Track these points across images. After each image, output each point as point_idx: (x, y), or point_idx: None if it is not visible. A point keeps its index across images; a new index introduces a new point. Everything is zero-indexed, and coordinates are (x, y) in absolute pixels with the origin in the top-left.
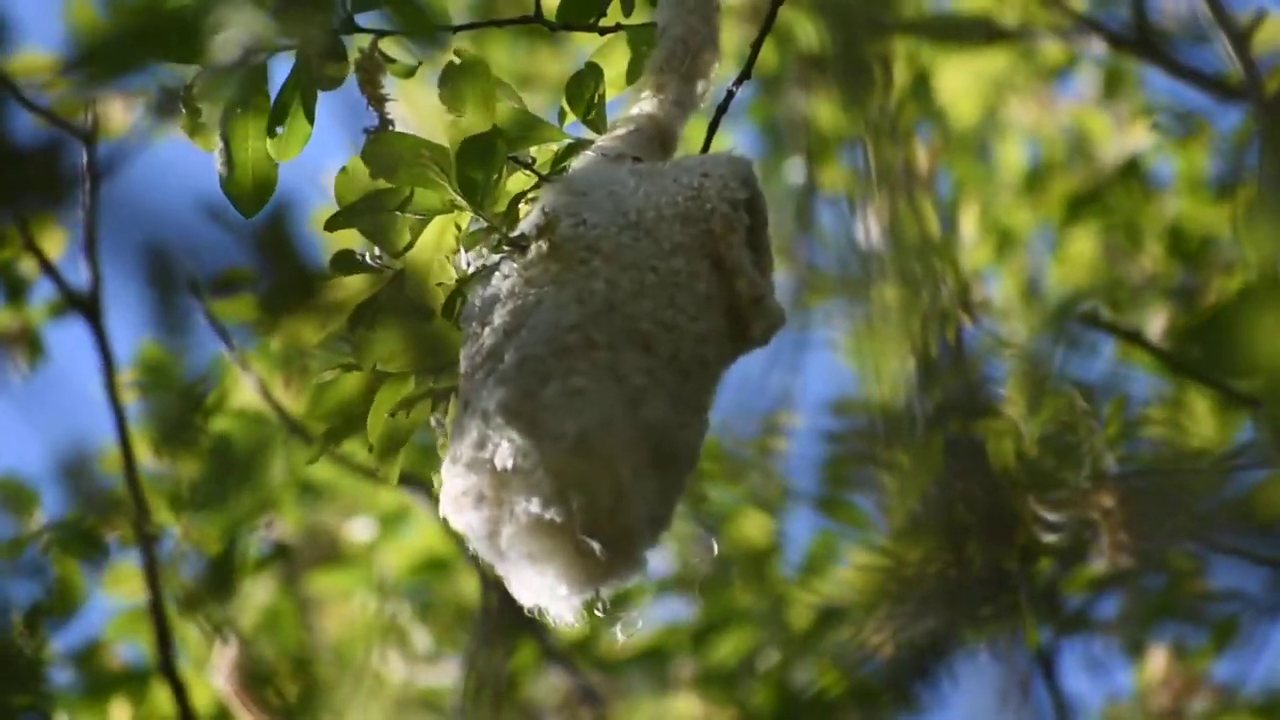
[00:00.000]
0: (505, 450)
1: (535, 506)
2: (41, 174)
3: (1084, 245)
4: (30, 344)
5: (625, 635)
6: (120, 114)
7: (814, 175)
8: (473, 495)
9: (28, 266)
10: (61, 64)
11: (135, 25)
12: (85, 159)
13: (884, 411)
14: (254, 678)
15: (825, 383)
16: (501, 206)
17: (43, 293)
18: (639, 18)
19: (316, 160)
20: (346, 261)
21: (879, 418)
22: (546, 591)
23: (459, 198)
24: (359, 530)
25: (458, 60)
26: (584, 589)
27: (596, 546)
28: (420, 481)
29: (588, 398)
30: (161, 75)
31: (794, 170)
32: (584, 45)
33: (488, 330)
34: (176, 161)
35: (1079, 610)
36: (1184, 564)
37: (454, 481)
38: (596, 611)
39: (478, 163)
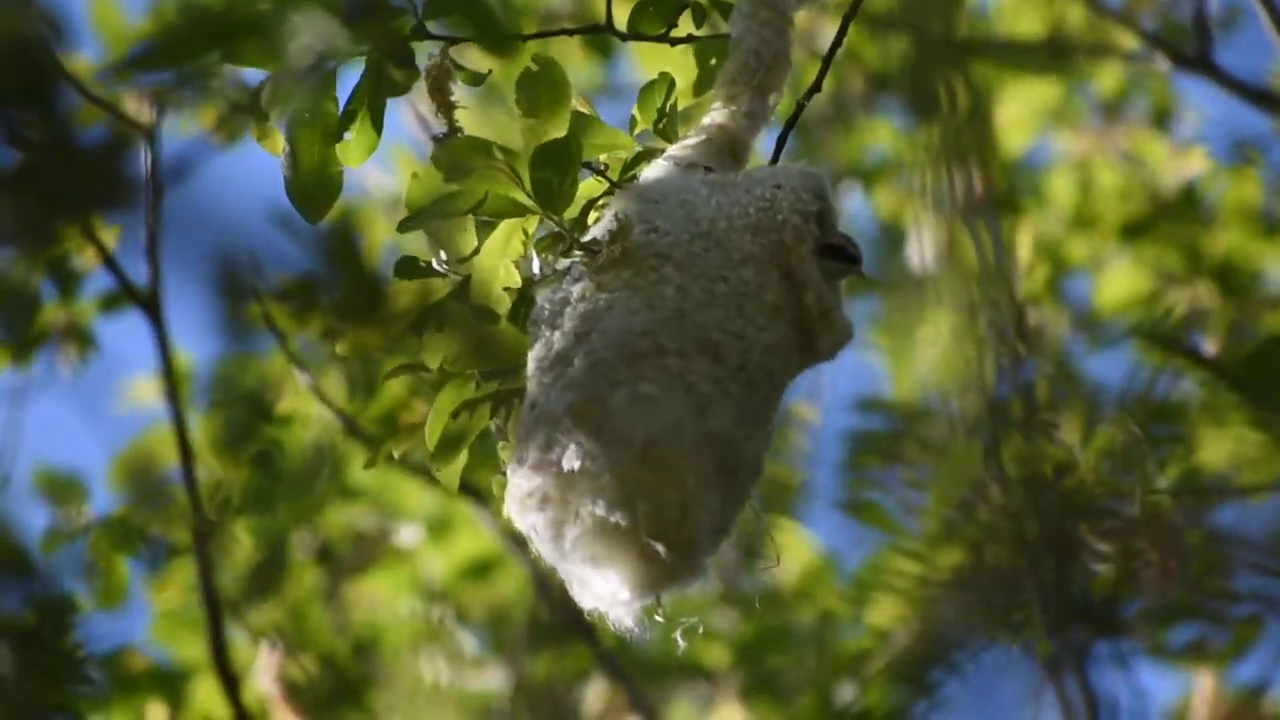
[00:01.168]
0: (573, 453)
1: (601, 510)
2: (104, 174)
3: (1137, 274)
4: (81, 338)
5: (683, 641)
6: (183, 118)
7: (865, 194)
8: (538, 496)
9: (79, 262)
10: (126, 62)
11: (209, 26)
12: (149, 157)
13: (914, 412)
14: (296, 681)
15: (853, 381)
16: (574, 212)
17: (95, 288)
18: (707, 30)
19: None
20: (410, 267)
21: (909, 418)
22: (608, 595)
23: (532, 202)
24: (404, 535)
25: (535, 67)
26: (646, 593)
27: (661, 551)
28: (470, 486)
29: (656, 404)
30: (232, 79)
31: (842, 189)
32: (639, 58)
33: (557, 334)
34: (240, 167)
35: (1113, 611)
36: (1215, 576)
37: (519, 483)
38: (657, 617)
39: (552, 167)
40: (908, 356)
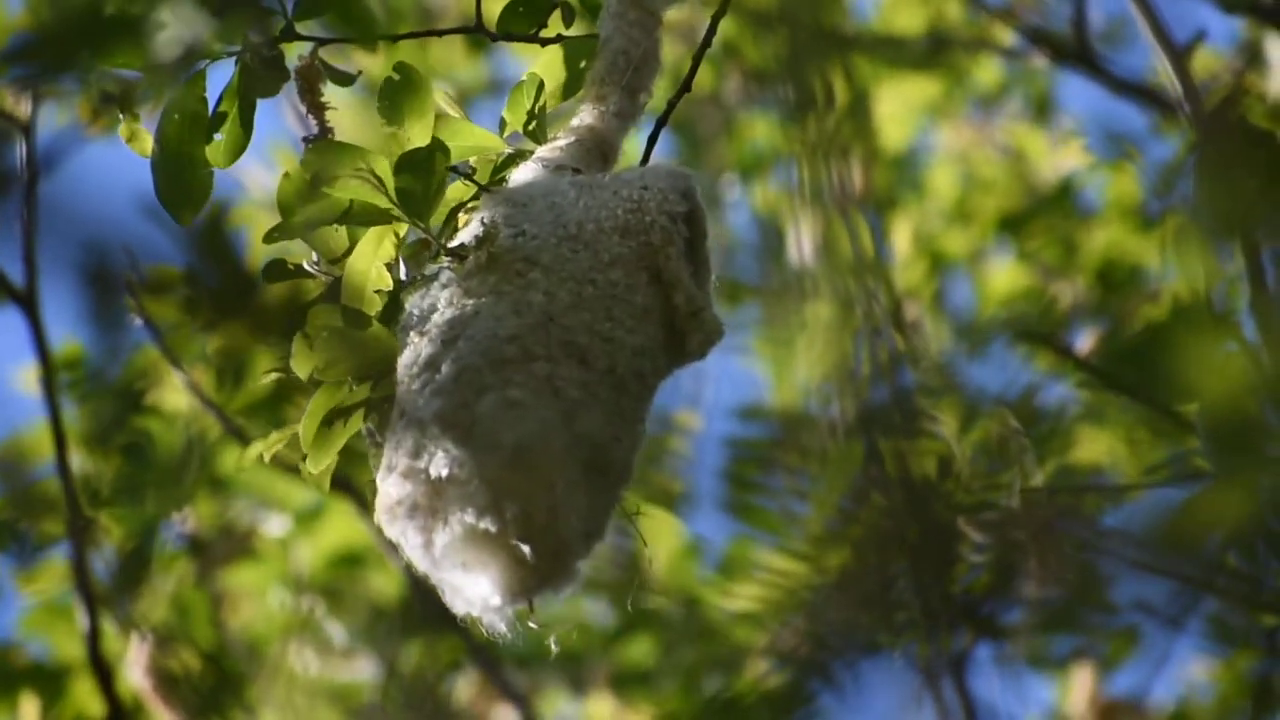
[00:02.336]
0: (441, 460)
1: (470, 516)
2: None
3: (1015, 267)
4: None
5: (555, 645)
6: (57, 111)
7: (742, 189)
8: (407, 504)
9: None
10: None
11: (76, 23)
12: (24, 152)
13: (795, 418)
14: (169, 673)
15: (734, 388)
16: (440, 217)
17: None
18: (578, 30)
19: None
20: (279, 271)
21: (790, 424)
22: (480, 601)
23: (397, 209)
24: (274, 526)
25: (397, 75)
26: (517, 598)
27: (530, 556)
28: (344, 480)
29: (524, 409)
30: (101, 75)
31: (721, 184)
32: (515, 57)
33: (425, 340)
34: (113, 159)
35: (991, 615)
36: (1089, 577)
37: (389, 490)
38: (530, 623)
39: (416, 175)
40: (788, 361)
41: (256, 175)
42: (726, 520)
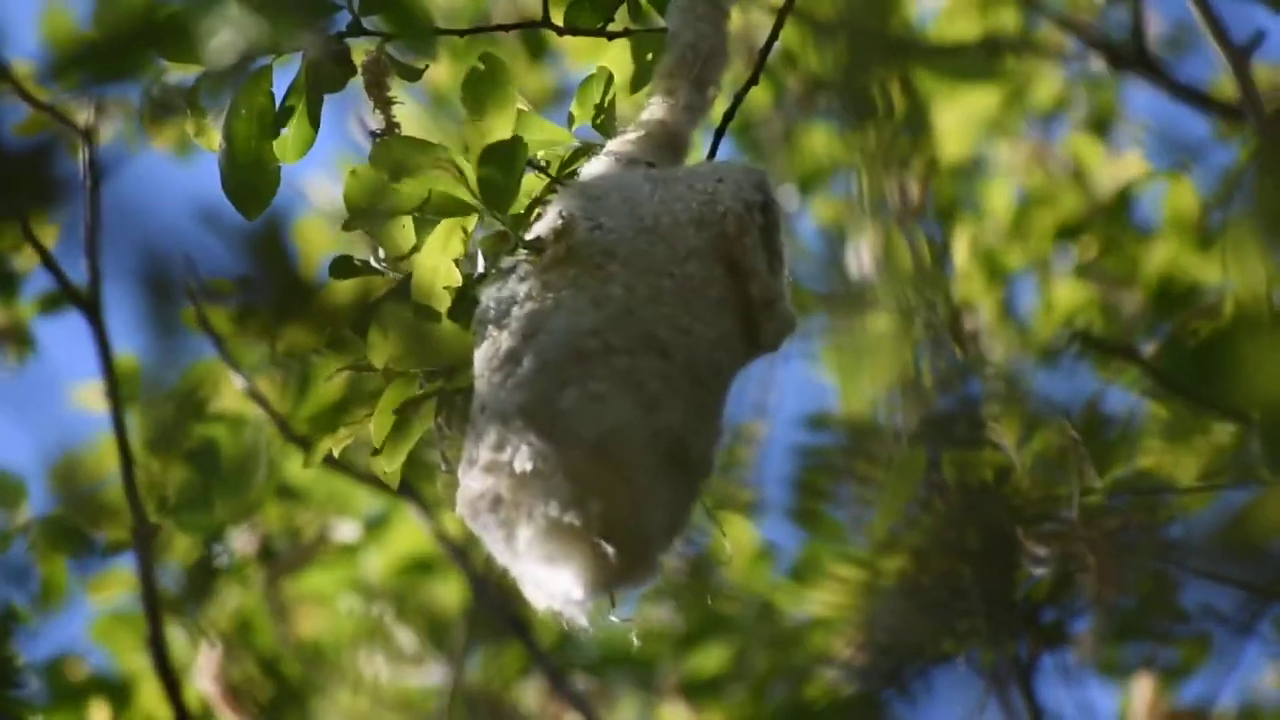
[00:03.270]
0: (524, 454)
1: (553, 510)
2: (34, 175)
3: (1073, 280)
4: (19, 339)
5: (637, 640)
6: (117, 119)
7: (802, 199)
8: (489, 498)
9: (18, 261)
10: (59, 63)
11: (134, 25)
12: (86, 157)
13: (863, 427)
14: (237, 680)
15: (801, 397)
16: (517, 209)
17: (33, 288)
18: (644, 23)
19: (298, 168)
20: (346, 267)
21: (857, 433)
22: (561, 595)
23: (477, 200)
24: (342, 532)
25: (481, 66)
26: (599, 592)
27: (612, 550)
28: (408, 487)
29: (606, 403)
30: (159, 79)
31: (781, 194)
32: (576, 65)
33: (505, 334)
34: (170, 166)
35: (1057, 623)
36: (1158, 585)
37: (470, 484)
38: (611, 616)
39: (499, 165)
40: (854, 370)
41: (321, 187)
42: (794, 528)
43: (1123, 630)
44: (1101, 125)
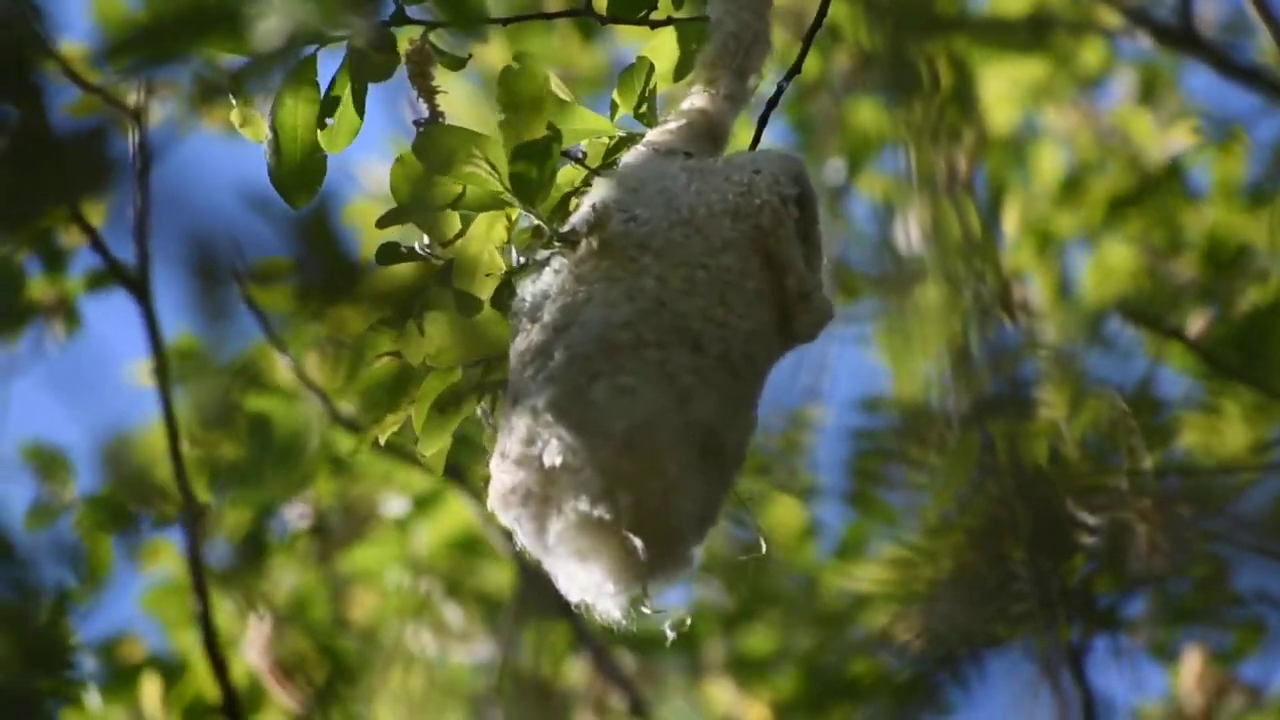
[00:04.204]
0: (554, 448)
1: (584, 504)
2: (85, 158)
3: (1123, 249)
4: (67, 316)
5: (669, 629)
6: (167, 102)
7: (851, 175)
8: (520, 492)
9: (66, 239)
10: (110, 46)
11: (184, 9)
12: (136, 140)
13: (916, 410)
14: (287, 654)
15: (855, 380)
16: (553, 202)
17: (80, 265)
18: (687, 11)
19: (350, 151)
20: (392, 253)
21: (910, 416)
22: (593, 588)
23: (510, 195)
24: (392, 507)
25: (516, 65)
26: (631, 586)
27: (643, 544)
28: (454, 467)
29: (636, 396)
30: (208, 63)
31: (830, 170)
32: (624, 41)
33: (537, 326)
34: (218, 151)
35: (1110, 608)
36: (1211, 567)
37: (502, 477)
38: (643, 608)
39: (530, 163)
40: (907, 352)
41: (372, 170)
42: (849, 512)
43: (1175, 614)
44: (1149, 98)
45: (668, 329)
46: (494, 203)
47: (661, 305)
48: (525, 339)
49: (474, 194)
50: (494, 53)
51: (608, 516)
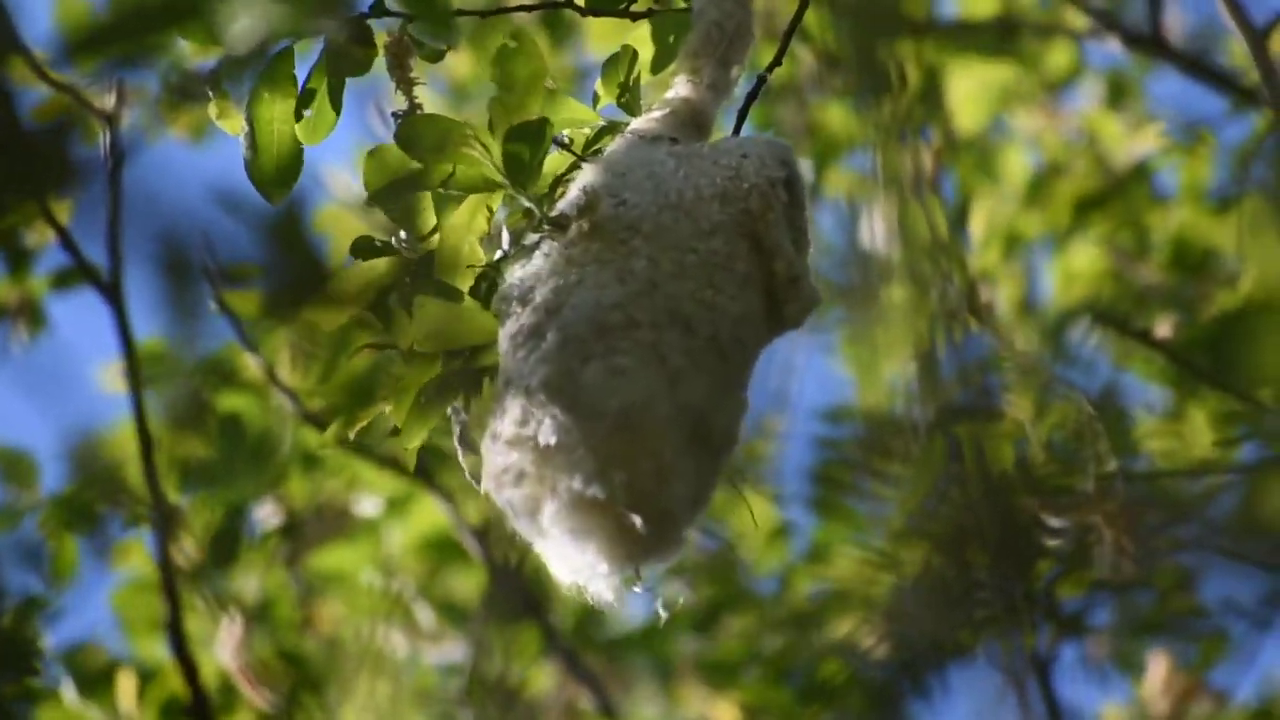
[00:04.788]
0: (549, 427)
1: (578, 484)
2: (51, 157)
3: (1090, 251)
4: (32, 316)
5: (666, 611)
6: (137, 104)
7: (818, 177)
8: (514, 472)
9: (32, 238)
10: (75, 45)
11: (155, 5)
12: (108, 141)
13: (881, 416)
14: (258, 654)
15: (821, 388)
16: (543, 187)
17: (45, 265)
18: (666, 3)
19: (318, 157)
20: (367, 247)
21: (875, 422)
22: (587, 569)
23: (502, 177)
24: (364, 508)
25: (512, 43)
26: (624, 566)
27: (638, 523)
28: (425, 469)
29: (629, 376)
30: (176, 65)
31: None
32: (595, 45)
33: (529, 309)
34: (187, 151)
35: (1076, 614)
36: (1177, 574)
37: (495, 459)
38: (636, 589)
39: (525, 143)
40: (873, 359)
41: (339, 177)
42: (814, 519)
43: (1141, 621)
44: (1116, 99)
45: (659, 311)
46: (484, 185)
47: (653, 287)
48: (516, 322)
49: (464, 175)
50: (461, 61)
51: (601, 495)
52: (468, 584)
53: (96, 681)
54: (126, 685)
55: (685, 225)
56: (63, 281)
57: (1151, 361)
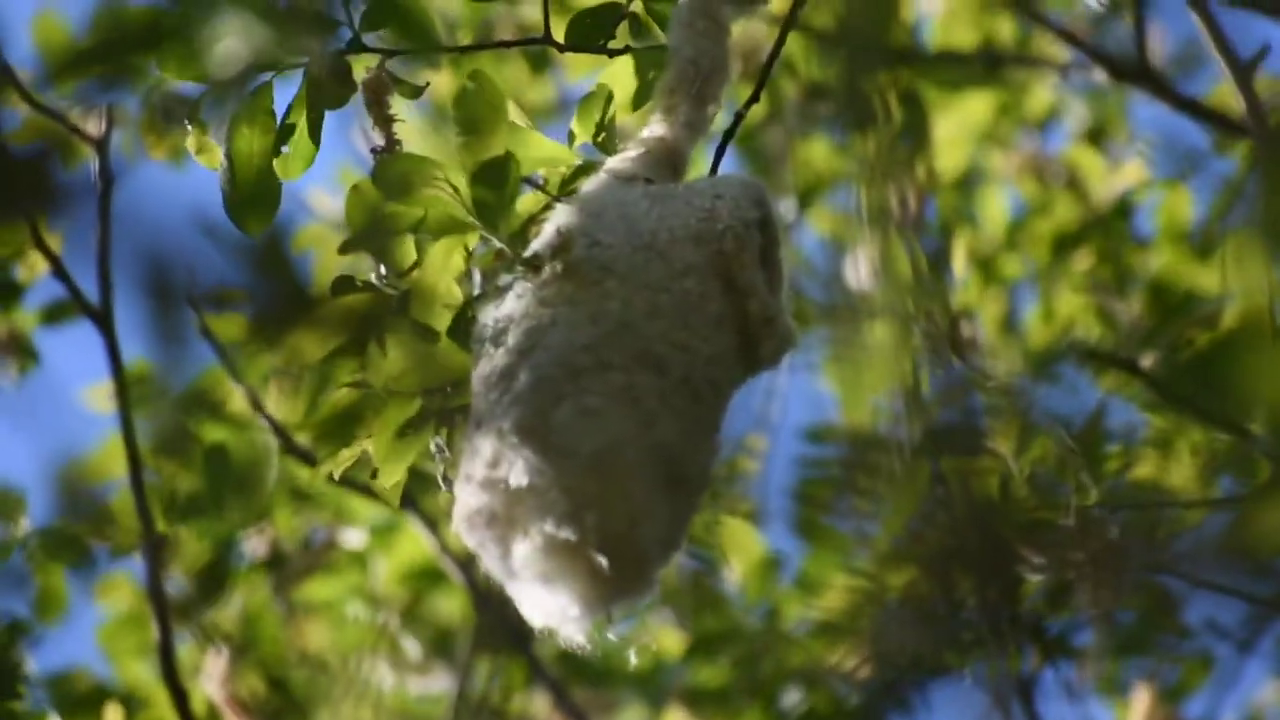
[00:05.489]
0: (520, 468)
1: (549, 526)
2: (33, 182)
3: (1069, 293)
4: (21, 350)
5: (635, 655)
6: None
7: (802, 211)
8: (485, 514)
9: (23, 272)
10: (56, 69)
11: (135, 33)
12: (98, 166)
13: (865, 439)
14: (245, 686)
15: (804, 408)
16: (514, 228)
17: (36, 298)
18: (644, 41)
19: (301, 179)
20: (347, 285)
21: (859, 444)
22: (558, 612)
23: (472, 219)
24: (350, 539)
25: (471, 85)
26: (596, 610)
27: (609, 566)
28: (411, 499)
29: (601, 418)
30: (157, 89)
31: (782, 206)
32: (574, 77)
33: (501, 350)
34: (169, 176)
35: (1060, 637)
36: (1159, 600)
37: (467, 500)
38: (607, 633)
39: (491, 185)
40: (856, 382)
41: (322, 198)
42: (797, 541)
43: (1123, 647)
44: (1100, 135)
45: (631, 352)
46: (455, 227)
47: (625, 328)
48: (489, 363)
49: (435, 218)
50: (445, 84)
51: (573, 538)
52: (453, 613)
53: (82, 707)
54: (113, 715)
55: (659, 266)
56: (54, 316)
57: (1135, 390)
